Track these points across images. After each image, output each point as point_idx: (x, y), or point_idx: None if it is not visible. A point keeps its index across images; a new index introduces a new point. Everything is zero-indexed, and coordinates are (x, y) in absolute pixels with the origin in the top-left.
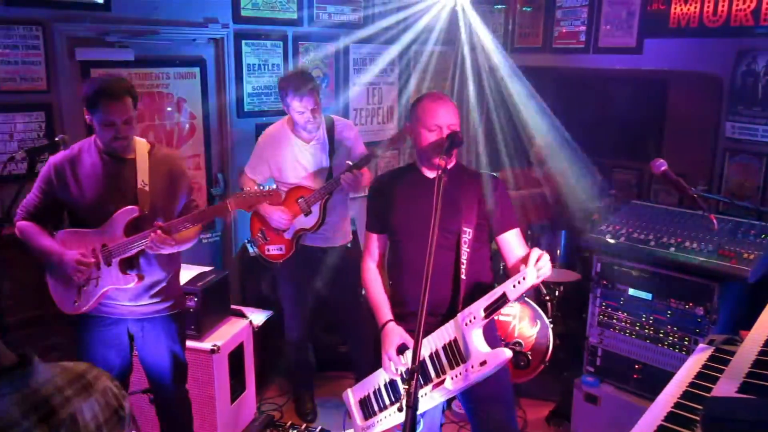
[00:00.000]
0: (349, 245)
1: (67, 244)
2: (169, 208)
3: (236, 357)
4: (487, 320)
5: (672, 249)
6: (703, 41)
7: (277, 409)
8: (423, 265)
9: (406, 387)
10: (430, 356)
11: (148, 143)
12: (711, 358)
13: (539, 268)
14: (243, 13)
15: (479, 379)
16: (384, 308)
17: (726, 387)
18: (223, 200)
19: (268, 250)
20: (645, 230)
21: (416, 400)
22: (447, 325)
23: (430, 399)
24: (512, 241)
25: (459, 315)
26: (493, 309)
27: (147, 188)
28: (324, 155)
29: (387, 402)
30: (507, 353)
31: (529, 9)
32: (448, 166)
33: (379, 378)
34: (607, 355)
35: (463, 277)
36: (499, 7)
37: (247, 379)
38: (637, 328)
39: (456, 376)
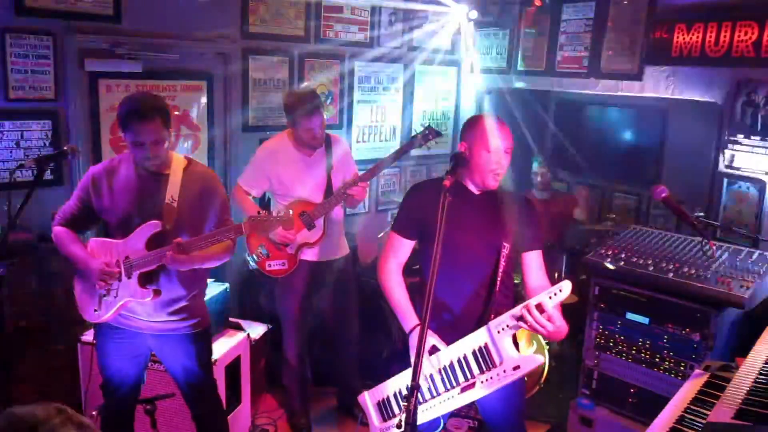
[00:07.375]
0: (346, 258)
1: (95, 253)
2: (197, 226)
3: (233, 370)
4: (516, 329)
5: (671, 275)
6: (703, 70)
7: (272, 423)
8: (457, 276)
9: (405, 404)
10: (458, 361)
11: (185, 159)
12: (707, 384)
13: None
14: (251, 29)
15: (508, 381)
16: (411, 312)
17: (722, 413)
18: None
19: (270, 266)
20: (644, 255)
21: (415, 416)
22: (478, 331)
23: (459, 400)
24: (536, 261)
25: (491, 323)
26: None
27: (175, 204)
28: (323, 170)
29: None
30: (539, 359)
31: (532, 32)
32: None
33: (400, 381)
34: (603, 378)
35: (497, 289)
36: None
37: (243, 392)
38: (633, 352)
39: (486, 380)
